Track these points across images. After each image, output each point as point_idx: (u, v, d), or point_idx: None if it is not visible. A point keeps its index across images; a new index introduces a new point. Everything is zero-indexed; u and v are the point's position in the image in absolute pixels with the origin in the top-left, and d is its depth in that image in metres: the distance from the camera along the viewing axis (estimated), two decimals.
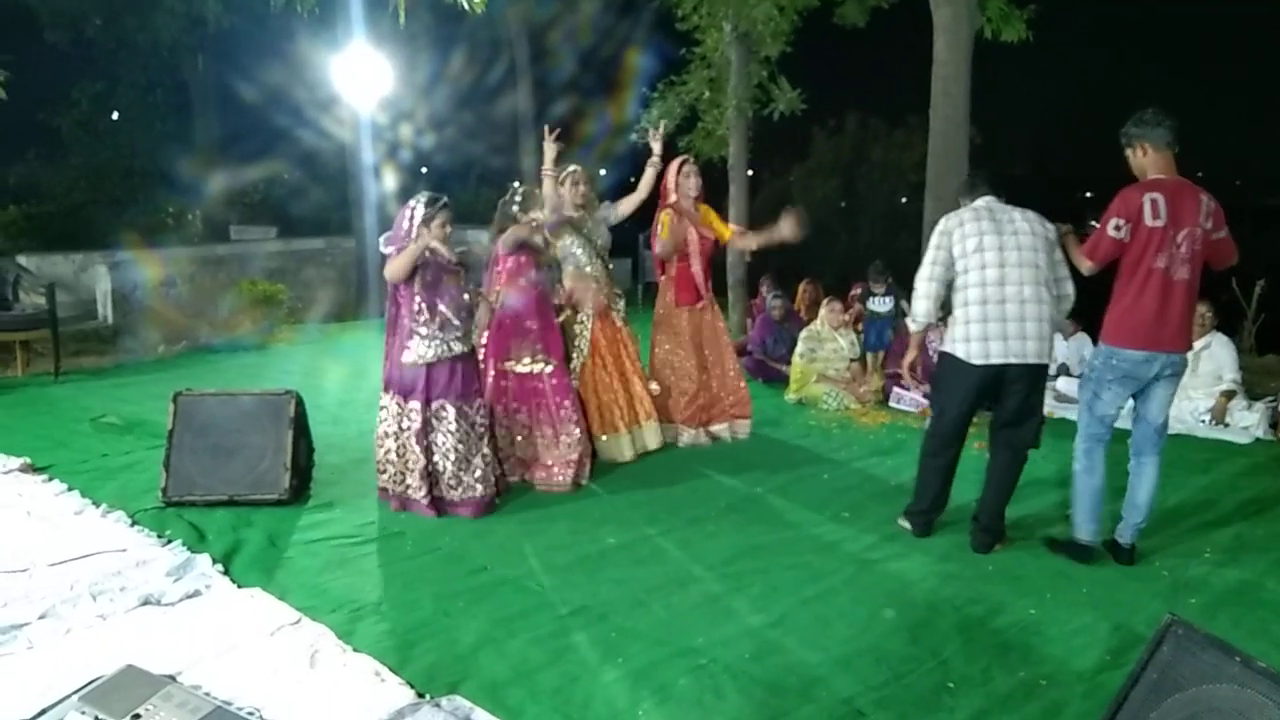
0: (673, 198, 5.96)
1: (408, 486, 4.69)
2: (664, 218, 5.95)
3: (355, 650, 3.24)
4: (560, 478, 5.09)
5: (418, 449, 4.63)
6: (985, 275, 4.04)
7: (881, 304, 8.21)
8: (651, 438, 5.82)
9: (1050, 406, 6.22)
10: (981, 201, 4.23)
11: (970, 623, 3.54)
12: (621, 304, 5.90)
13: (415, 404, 4.63)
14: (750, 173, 11.79)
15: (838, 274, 14.20)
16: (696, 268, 6.04)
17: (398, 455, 4.68)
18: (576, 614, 3.57)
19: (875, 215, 24.27)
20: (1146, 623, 3.45)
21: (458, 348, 4.69)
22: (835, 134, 25.32)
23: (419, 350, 4.62)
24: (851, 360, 7.62)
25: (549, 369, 5.16)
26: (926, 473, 4.39)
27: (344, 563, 4.10)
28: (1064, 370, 7.55)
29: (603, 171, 14.25)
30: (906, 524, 4.46)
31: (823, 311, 7.79)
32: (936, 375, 4.37)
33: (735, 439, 6.14)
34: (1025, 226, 4.10)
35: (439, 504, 4.67)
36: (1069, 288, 4.19)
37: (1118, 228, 3.86)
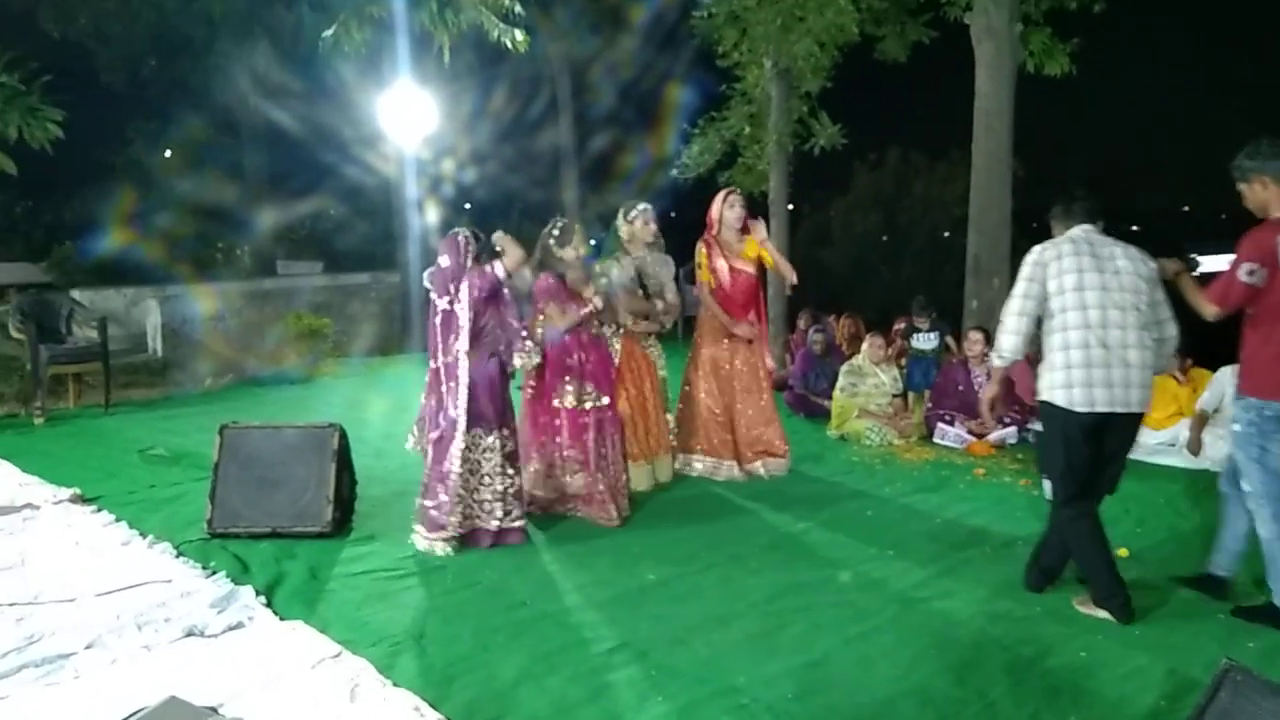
0: (715, 229, 6.05)
1: (487, 515, 4.71)
2: (701, 254, 6.04)
3: (395, 684, 3.23)
4: (603, 512, 5.05)
5: (524, 467, 4.93)
6: (1088, 316, 3.76)
7: (927, 341, 8.10)
8: (663, 471, 5.89)
9: None
10: (1079, 231, 3.95)
11: (1019, 664, 3.45)
12: (653, 338, 5.92)
13: (510, 429, 4.83)
14: (790, 207, 11.80)
15: (879, 308, 14.13)
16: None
17: (487, 486, 4.72)
18: (616, 651, 3.54)
19: (917, 249, 24.17)
20: (1203, 667, 3.33)
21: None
22: (876, 168, 25.34)
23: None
24: (894, 395, 7.54)
25: (601, 403, 5.15)
26: (1085, 551, 3.93)
27: (385, 596, 4.11)
28: None
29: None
30: (1102, 612, 3.85)
31: (864, 346, 7.72)
32: (1042, 435, 4.09)
33: (771, 477, 6.07)
34: (1127, 265, 3.84)
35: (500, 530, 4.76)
36: (1172, 329, 3.93)
37: (1251, 273, 3.60)
